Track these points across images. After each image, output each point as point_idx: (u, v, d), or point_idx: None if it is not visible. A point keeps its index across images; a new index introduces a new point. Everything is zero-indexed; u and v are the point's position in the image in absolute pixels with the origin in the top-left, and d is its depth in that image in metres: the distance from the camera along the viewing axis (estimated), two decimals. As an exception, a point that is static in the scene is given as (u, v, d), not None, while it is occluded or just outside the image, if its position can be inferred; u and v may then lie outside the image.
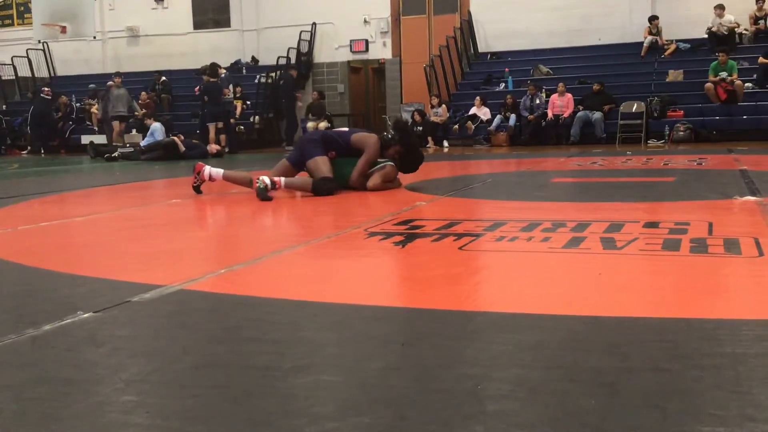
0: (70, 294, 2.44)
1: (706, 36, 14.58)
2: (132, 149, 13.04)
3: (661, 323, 1.89)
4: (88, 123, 17.58)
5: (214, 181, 5.66)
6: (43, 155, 16.24)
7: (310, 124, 15.34)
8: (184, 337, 1.93)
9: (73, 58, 20.11)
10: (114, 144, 14.80)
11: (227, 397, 1.47)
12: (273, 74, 16.80)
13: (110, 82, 16.07)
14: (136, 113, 16.10)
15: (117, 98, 15.74)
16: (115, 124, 15.77)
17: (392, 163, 5.63)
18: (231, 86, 15.46)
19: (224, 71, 15.05)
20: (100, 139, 15.66)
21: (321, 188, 5.24)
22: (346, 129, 5.93)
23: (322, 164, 5.39)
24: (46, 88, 17.14)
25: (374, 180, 5.51)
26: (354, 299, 2.24)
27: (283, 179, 5.26)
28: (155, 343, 1.89)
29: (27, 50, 19.29)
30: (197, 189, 5.62)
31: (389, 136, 5.67)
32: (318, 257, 3.09)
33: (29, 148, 17.27)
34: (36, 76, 19.55)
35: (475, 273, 2.70)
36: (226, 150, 13.99)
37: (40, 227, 4.20)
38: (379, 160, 5.61)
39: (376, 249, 3.10)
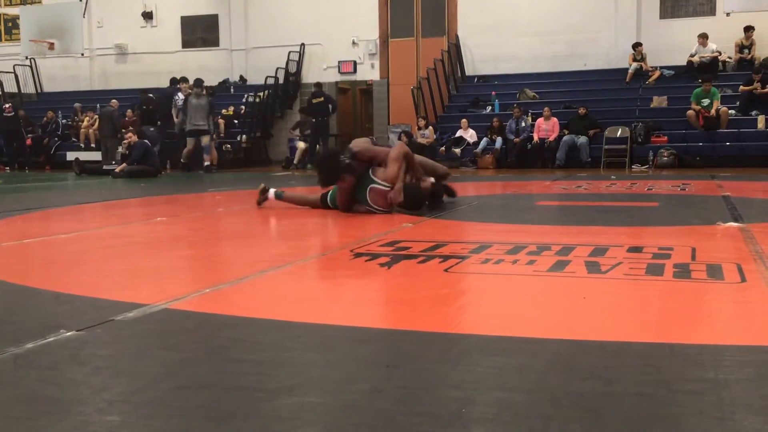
0: (53, 312, 2.42)
1: (686, 64, 14.77)
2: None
3: (644, 348, 1.90)
4: (74, 139, 17.49)
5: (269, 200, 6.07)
6: (27, 171, 16.11)
7: (300, 143, 15.34)
8: (167, 356, 1.92)
9: (61, 75, 20.07)
10: (184, 161, 13.81)
11: (211, 418, 1.46)
12: (261, 93, 16.82)
13: (145, 96, 15.43)
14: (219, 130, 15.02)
15: (196, 109, 13.82)
16: (190, 140, 13.89)
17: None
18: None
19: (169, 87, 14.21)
20: (86, 155, 15.50)
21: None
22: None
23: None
24: (7, 105, 16.73)
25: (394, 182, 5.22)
26: (339, 320, 2.24)
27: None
28: (139, 363, 1.88)
29: (14, 66, 19.24)
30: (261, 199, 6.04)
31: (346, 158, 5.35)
32: (303, 278, 3.09)
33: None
34: (22, 92, 19.47)
35: (460, 295, 2.70)
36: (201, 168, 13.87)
37: (23, 244, 4.17)
38: (378, 180, 5.27)
39: (361, 270, 3.10)
